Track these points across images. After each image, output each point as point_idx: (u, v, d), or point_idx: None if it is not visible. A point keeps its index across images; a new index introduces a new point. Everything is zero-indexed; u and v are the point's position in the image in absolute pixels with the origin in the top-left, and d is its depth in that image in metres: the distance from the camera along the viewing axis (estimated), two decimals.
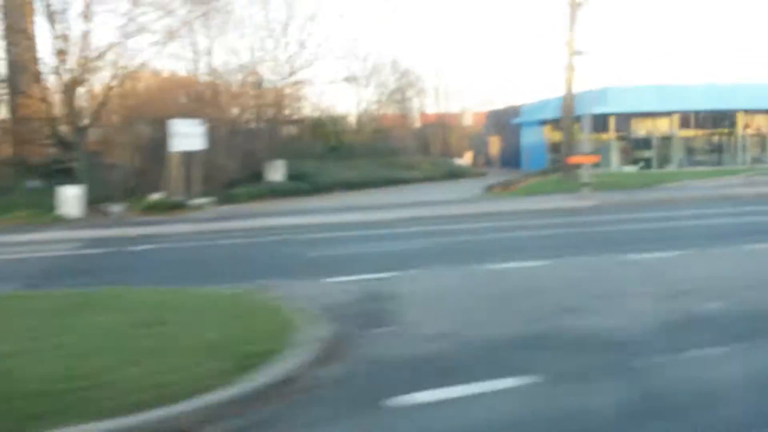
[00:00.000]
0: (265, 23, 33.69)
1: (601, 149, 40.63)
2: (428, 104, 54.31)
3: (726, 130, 39.96)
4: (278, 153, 26.42)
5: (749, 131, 41.91)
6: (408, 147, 48.28)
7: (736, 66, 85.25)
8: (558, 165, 42.99)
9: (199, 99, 25.59)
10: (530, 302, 6.76)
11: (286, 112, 32.94)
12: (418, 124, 53.82)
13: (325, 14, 52.53)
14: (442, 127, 51.81)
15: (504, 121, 51.70)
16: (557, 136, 45.33)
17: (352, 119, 44.46)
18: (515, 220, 15.02)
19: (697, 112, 40.25)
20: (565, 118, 26.47)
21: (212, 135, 22.05)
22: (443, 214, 16.63)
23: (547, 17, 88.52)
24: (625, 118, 39.55)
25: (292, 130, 38.48)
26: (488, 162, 52.60)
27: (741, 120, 41.56)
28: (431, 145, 51.72)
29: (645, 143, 40.31)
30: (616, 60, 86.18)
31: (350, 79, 37.88)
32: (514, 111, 50.43)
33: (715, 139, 41.75)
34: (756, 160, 39.36)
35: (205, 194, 21.64)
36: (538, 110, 47.29)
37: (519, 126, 49.13)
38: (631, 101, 38.59)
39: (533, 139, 47.67)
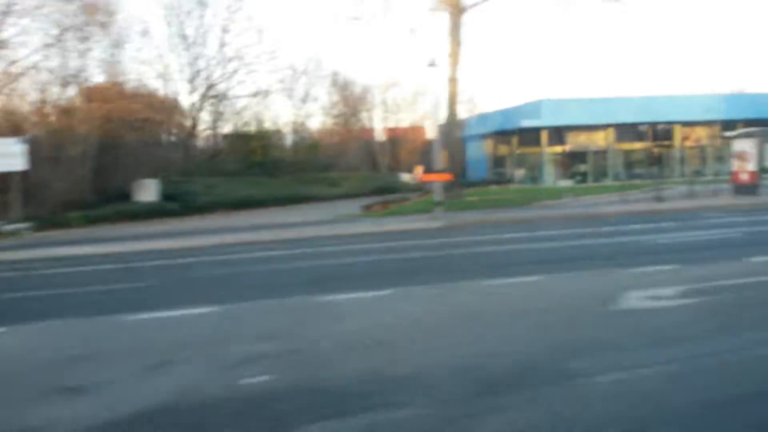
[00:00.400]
0: (175, 34, 33.13)
1: (537, 163, 40.17)
2: (381, 118, 53.78)
3: (665, 143, 39.35)
4: (154, 170, 25.36)
5: (688, 143, 41.42)
6: (350, 162, 47.68)
7: (673, 78, 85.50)
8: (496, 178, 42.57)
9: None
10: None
11: (193, 126, 32.23)
12: (382, 137, 53.31)
13: (250, 26, 51.48)
14: (389, 141, 51.25)
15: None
16: (502, 150, 44.85)
17: (287, 134, 43.80)
18: (343, 245, 14.26)
19: (634, 125, 39.71)
20: (448, 131, 25.55)
21: (36, 153, 20.65)
22: (282, 239, 15.87)
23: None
24: (560, 132, 38.98)
25: (219, 144, 37.88)
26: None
27: (679, 132, 41.03)
28: (379, 160, 51.17)
29: (581, 157, 39.72)
30: (548, 74, 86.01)
31: (266, 94, 37.15)
32: (461, 124, 49.85)
33: (656, 151, 41.15)
34: (697, 173, 38.76)
35: (26, 219, 20.19)
36: (480, 124, 46.80)
37: (464, 139, 48.50)
38: (566, 114, 38.02)
39: (477, 153, 47.12)
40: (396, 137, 51.96)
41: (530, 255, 11.83)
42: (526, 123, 37.89)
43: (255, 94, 35.10)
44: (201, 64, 32.64)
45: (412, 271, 10.52)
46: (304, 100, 43.30)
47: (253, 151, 36.12)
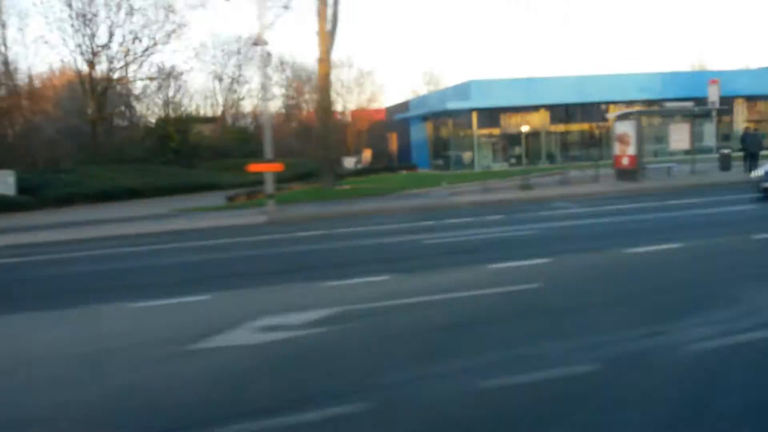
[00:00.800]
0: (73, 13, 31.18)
1: (466, 146, 38.69)
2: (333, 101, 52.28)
3: (601, 124, 37.76)
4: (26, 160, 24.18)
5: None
6: (291, 147, 46.29)
7: (604, 58, 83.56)
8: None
9: None
10: None
11: (98, 111, 30.88)
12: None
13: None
14: (325, 125, 49.78)
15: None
16: (444, 132, 43.33)
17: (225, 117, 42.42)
18: (140, 245, 13.11)
19: (568, 105, 38.17)
20: (319, 115, 24.31)
21: None
22: (86, 237, 14.73)
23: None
24: (493, 114, 37.44)
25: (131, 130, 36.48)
26: (390, 160, 50.46)
27: (613, 112, 39.42)
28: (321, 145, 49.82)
29: (515, 139, 38.19)
30: (479, 54, 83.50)
31: (176, 75, 35.67)
32: (405, 106, 48.40)
33: (594, 132, 39.62)
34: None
35: None
36: (419, 106, 45.34)
37: (408, 122, 47.09)
38: (497, 95, 36.46)
39: (419, 135, 45.65)
40: (341, 120, 50.44)
41: (255, 264, 10.56)
42: (452, 105, 36.43)
43: (164, 76, 33.61)
44: (102, 41, 31.05)
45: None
46: (235, 83, 41.77)
47: (170, 137, 34.84)
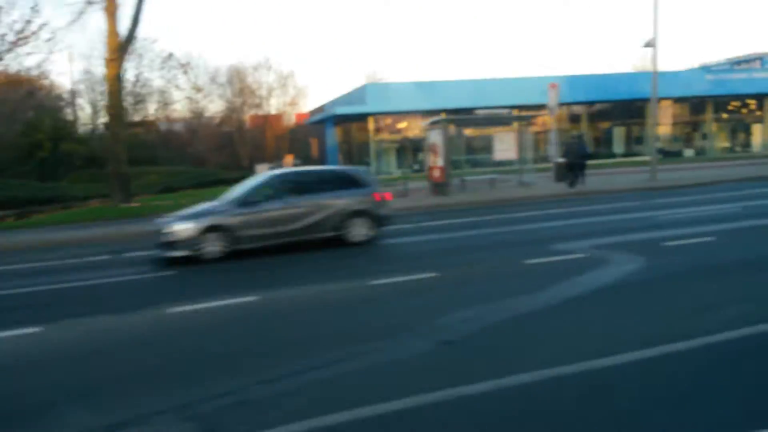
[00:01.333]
0: None
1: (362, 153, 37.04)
2: (248, 104, 50.34)
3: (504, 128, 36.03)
4: None
5: (534, 129, 38.14)
6: (200, 154, 44.62)
7: (506, 61, 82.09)
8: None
9: None
10: None
11: None
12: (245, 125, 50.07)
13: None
14: (252, 130, 48.11)
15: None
16: (356, 137, 41.67)
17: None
18: None
19: (468, 110, 36.47)
20: (111, 122, 21.61)
21: None
22: None
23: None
24: (392, 118, 35.80)
25: None
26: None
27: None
28: (240, 151, 48.05)
29: (418, 145, 36.54)
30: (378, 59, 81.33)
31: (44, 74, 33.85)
32: (322, 110, 46.78)
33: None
34: (541, 158, 35.67)
35: None
36: (330, 110, 43.68)
37: (323, 125, 45.41)
38: (394, 99, 34.83)
39: (332, 141, 44.01)
40: (259, 125, 48.83)
41: None
42: (342, 110, 34.84)
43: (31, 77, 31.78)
44: None
45: None
46: (135, 85, 40.01)
47: (40, 144, 33.10)
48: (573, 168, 18.30)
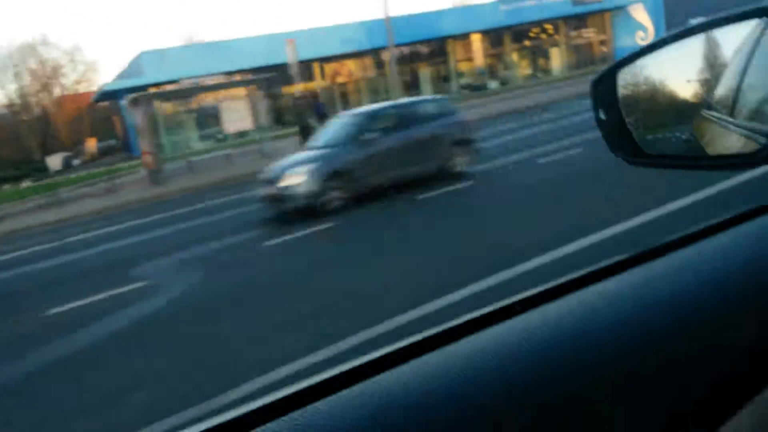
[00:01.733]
0: None
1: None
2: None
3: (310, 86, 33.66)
4: None
5: (342, 81, 36.21)
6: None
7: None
8: None
9: None
10: None
11: None
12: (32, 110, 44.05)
13: None
14: (39, 115, 42.52)
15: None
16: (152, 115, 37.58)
17: None
18: None
19: (261, 69, 33.66)
20: None
21: None
22: None
23: None
24: (176, 87, 32.29)
25: None
26: (125, 148, 44.01)
27: (328, 70, 35.67)
28: (29, 140, 42.45)
29: (212, 113, 33.40)
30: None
31: None
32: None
33: (305, 96, 35.47)
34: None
35: None
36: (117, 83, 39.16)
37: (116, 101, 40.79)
38: (175, 67, 31.25)
39: (132, 119, 39.69)
40: (47, 109, 43.36)
41: None
42: (112, 86, 31.03)
43: None
44: None
45: None
46: None
47: None
48: (306, 130, 16.30)
